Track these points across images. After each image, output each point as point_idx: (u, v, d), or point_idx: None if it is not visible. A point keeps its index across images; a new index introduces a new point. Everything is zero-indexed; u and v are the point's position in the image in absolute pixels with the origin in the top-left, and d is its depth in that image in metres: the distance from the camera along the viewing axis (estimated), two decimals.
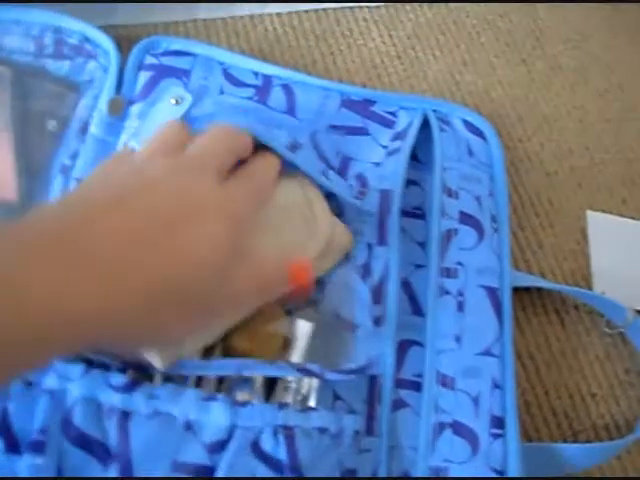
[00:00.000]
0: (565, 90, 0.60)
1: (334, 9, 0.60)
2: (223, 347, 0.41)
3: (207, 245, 0.35)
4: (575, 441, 0.47)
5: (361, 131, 0.50)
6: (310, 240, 0.42)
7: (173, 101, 0.47)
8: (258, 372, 0.39)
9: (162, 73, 0.49)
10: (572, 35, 0.62)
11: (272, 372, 0.39)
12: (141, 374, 0.39)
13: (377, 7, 0.61)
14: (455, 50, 0.60)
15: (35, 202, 0.44)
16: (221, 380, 0.41)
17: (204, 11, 0.58)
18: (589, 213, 0.54)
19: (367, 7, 0.61)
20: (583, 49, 0.62)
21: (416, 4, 0.62)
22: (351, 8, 0.61)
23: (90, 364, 0.39)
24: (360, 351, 0.42)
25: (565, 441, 0.47)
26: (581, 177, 0.56)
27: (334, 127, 0.50)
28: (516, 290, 0.48)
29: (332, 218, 0.43)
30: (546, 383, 0.49)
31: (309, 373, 0.40)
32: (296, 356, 0.42)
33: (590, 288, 0.51)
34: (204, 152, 0.38)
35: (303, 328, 0.42)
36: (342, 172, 0.47)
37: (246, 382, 0.40)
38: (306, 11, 0.60)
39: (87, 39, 0.50)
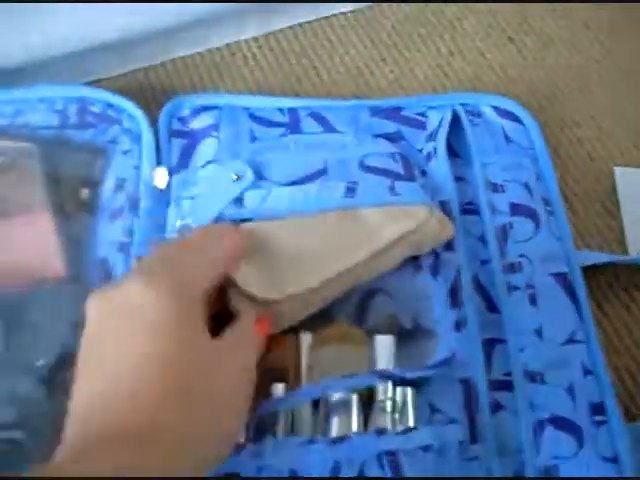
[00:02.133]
0: (560, 63, 0.59)
1: (309, 22, 0.59)
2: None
3: None
4: None
5: (397, 136, 0.50)
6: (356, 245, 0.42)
7: (234, 177, 0.45)
8: (343, 386, 0.39)
9: (194, 138, 0.50)
10: (557, 5, 0.61)
11: (353, 383, 0.40)
12: None
13: (353, 12, 0.60)
14: (439, 41, 0.59)
15: (84, 275, 0.44)
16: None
17: (181, 49, 0.57)
18: (617, 169, 0.53)
19: (342, 13, 0.60)
20: (571, 18, 0.61)
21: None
22: (326, 17, 0.60)
23: None
24: (441, 349, 0.42)
25: None
26: (591, 148, 0.55)
27: (375, 136, 0.49)
28: (585, 270, 0.46)
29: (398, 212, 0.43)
30: (630, 361, 0.47)
31: (388, 377, 0.40)
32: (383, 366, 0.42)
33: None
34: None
35: (384, 342, 0.42)
36: (408, 173, 0.46)
37: (337, 410, 0.40)
38: (281, 30, 0.59)
39: (110, 105, 0.51)
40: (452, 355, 0.41)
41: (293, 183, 0.44)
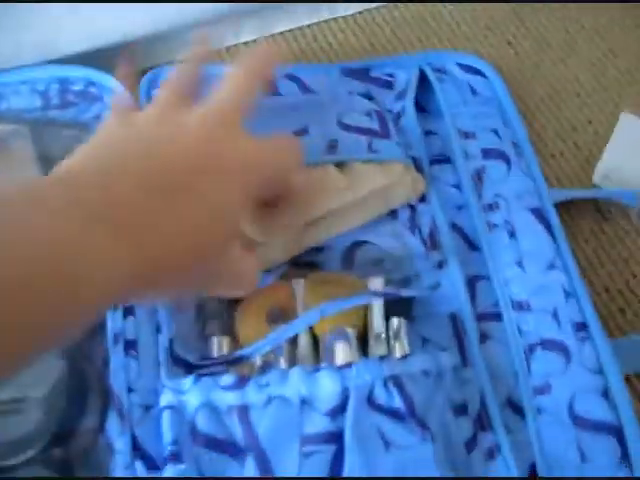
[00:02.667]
0: (556, 65, 0.60)
1: (309, 25, 0.61)
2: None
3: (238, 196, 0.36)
4: None
5: (366, 97, 0.52)
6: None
7: None
8: (339, 307, 0.41)
9: None
10: (554, 6, 0.63)
11: (351, 302, 0.42)
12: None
13: (352, 16, 0.61)
14: (438, 44, 0.60)
15: None
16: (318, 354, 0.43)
17: (179, 51, 0.53)
18: (622, 114, 0.55)
19: (342, 17, 0.61)
20: (568, 20, 0.62)
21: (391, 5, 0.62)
22: (327, 21, 0.61)
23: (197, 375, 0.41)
24: (426, 278, 0.46)
25: None
26: (588, 152, 0.56)
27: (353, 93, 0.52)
28: (558, 206, 0.50)
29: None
30: (609, 281, 0.51)
31: (385, 294, 0.43)
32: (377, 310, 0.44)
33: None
34: (232, 104, 0.39)
35: (376, 284, 0.45)
36: (385, 130, 0.48)
37: (339, 338, 0.42)
38: (281, 33, 0.61)
39: (92, 83, 0.52)
40: (438, 283, 0.45)
41: None
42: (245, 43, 0.60)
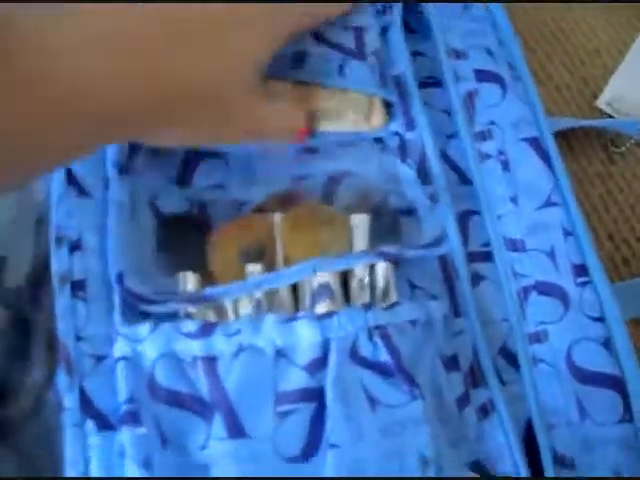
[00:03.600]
0: None
1: None
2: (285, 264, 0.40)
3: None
4: None
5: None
6: None
7: None
8: (335, 267, 0.38)
9: None
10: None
11: (348, 263, 0.38)
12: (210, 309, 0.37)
13: None
14: None
15: None
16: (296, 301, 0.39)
17: None
18: None
19: None
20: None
21: None
22: None
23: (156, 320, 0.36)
24: (427, 229, 0.41)
25: None
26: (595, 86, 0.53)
27: None
28: (558, 135, 0.46)
29: None
30: (602, 211, 0.48)
31: (387, 256, 0.38)
32: (361, 246, 0.40)
33: None
34: None
35: (360, 220, 0.41)
36: (360, 50, 0.43)
37: (322, 292, 0.38)
38: None
39: None
40: (443, 233, 0.40)
41: None
42: None
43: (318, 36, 0.42)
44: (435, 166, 0.42)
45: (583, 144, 0.50)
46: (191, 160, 0.43)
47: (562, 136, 0.48)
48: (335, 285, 0.38)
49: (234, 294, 0.37)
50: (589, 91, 0.52)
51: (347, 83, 0.42)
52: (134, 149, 0.41)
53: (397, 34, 0.45)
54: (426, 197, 0.42)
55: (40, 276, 0.39)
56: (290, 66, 0.41)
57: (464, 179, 0.43)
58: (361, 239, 0.40)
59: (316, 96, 0.41)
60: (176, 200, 0.42)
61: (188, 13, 0.34)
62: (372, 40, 0.44)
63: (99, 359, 0.36)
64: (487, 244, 0.41)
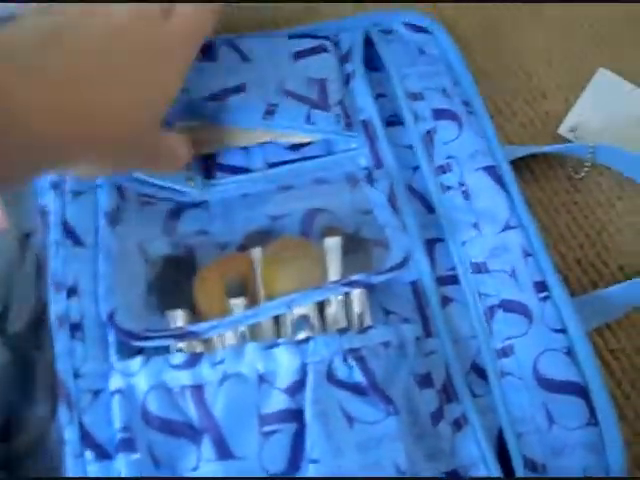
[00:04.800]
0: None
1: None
2: (266, 295, 0.42)
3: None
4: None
5: (320, 49, 0.50)
6: None
7: None
8: (310, 300, 0.40)
9: None
10: None
11: (322, 295, 0.41)
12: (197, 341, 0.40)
13: None
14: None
15: (31, 223, 0.44)
16: (278, 329, 0.41)
17: None
18: (600, 70, 0.55)
19: None
20: None
21: None
22: None
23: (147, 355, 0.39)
24: (393, 253, 0.43)
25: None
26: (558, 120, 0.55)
27: (297, 54, 0.50)
28: (517, 163, 0.49)
29: None
30: (569, 238, 0.50)
31: (356, 284, 0.41)
32: (334, 273, 0.42)
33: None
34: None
35: (331, 243, 0.43)
36: (323, 101, 0.47)
37: (301, 323, 0.41)
38: None
39: None
40: (408, 255, 0.43)
41: (213, 97, 0.46)
42: None
43: (287, 91, 0.46)
44: (403, 198, 0.45)
45: (547, 173, 0.52)
46: (176, 210, 0.46)
47: (525, 166, 0.51)
48: (313, 313, 0.41)
49: (219, 329, 0.40)
50: (552, 125, 0.54)
51: (314, 130, 0.46)
52: (123, 200, 0.44)
53: (362, 86, 0.49)
54: (398, 224, 0.44)
55: (41, 319, 0.41)
56: (263, 116, 0.45)
57: (430, 209, 0.46)
58: (334, 262, 0.43)
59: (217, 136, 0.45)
60: (163, 245, 0.45)
61: (113, 46, 0.36)
62: (335, 91, 0.48)
63: (96, 393, 0.39)
64: (453, 268, 0.44)
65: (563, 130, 0.53)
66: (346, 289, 0.41)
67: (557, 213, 0.51)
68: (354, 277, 0.41)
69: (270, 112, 0.45)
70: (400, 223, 0.44)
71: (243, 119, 0.45)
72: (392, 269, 0.42)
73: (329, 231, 0.44)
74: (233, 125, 0.46)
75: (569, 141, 0.53)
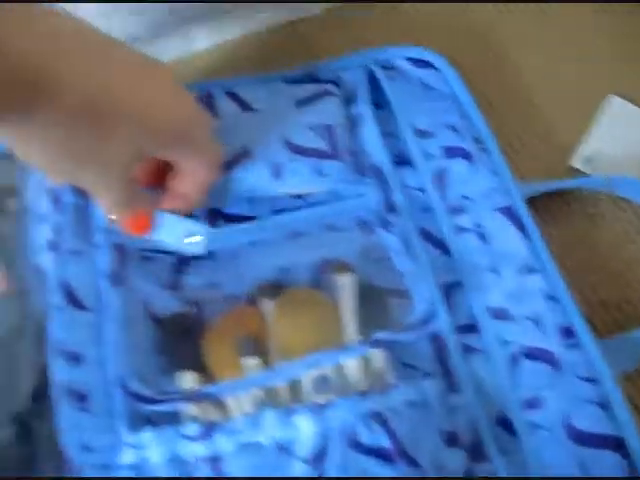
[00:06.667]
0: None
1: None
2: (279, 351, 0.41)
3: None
4: None
5: (325, 93, 0.48)
6: None
7: None
8: (331, 362, 0.39)
9: None
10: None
11: (344, 356, 0.39)
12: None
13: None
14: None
15: (26, 283, 0.42)
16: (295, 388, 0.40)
17: None
18: (610, 97, 0.53)
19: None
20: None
21: None
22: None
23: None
24: (415, 306, 0.42)
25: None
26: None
27: (300, 101, 0.47)
28: (532, 200, 0.47)
29: None
30: (590, 277, 0.48)
31: (381, 343, 0.39)
32: (350, 326, 0.41)
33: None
34: None
35: (344, 281, 0.42)
36: (332, 149, 0.45)
37: (321, 384, 0.39)
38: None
39: None
40: (433, 309, 0.41)
41: None
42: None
43: (294, 146, 0.44)
44: (418, 246, 0.43)
45: (562, 208, 0.50)
46: (181, 263, 0.44)
47: (540, 202, 0.49)
48: (332, 372, 0.39)
49: (234, 391, 0.38)
50: (564, 156, 0.53)
51: (326, 182, 0.44)
52: (124, 257, 0.42)
53: (371, 130, 0.47)
54: (415, 269, 0.42)
55: (42, 388, 0.39)
56: (270, 180, 0.44)
57: (443, 250, 0.44)
58: (349, 312, 0.41)
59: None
60: (170, 302, 0.43)
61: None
62: (343, 136, 0.46)
63: (105, 467, 0.37)
64: (472, 315, 0.42)
65: (576, 161, 0.51)
66: (370, 348, 0.39)
67: (575, 251, 0.49)
68: (378, 335, 0.39)
69: (278, 174, 0.44)
70: (420, 271, 0.42)
71: (251, 188, 0.44)
72: (418, 325, 0.40)
73: (340, 268, 0.43)
74: (242, 195, 0.44)
75: (583, 173, 0.51)
